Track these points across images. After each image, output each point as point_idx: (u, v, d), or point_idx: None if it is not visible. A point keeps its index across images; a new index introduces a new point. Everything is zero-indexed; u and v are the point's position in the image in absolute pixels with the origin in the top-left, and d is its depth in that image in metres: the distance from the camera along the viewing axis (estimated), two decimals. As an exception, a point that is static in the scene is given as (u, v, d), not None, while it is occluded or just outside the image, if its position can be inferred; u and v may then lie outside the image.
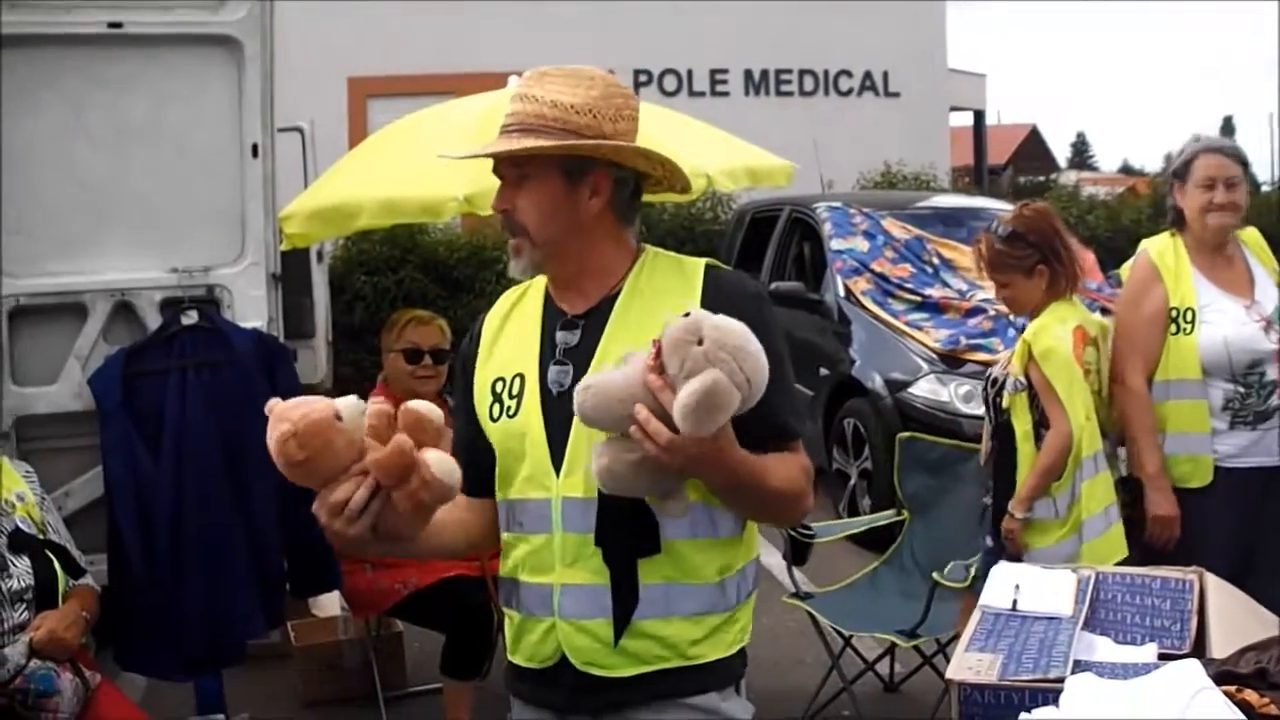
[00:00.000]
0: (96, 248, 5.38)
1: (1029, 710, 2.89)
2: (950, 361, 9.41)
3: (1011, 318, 9.63)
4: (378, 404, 2.94)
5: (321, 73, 18.56)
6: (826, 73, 22.95)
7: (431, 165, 6.46)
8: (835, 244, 10.63)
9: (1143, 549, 5.40)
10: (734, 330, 2.75)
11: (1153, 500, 5.44)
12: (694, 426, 2.71)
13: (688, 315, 2.78)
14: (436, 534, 3.14)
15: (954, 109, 27.23)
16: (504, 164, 3.16)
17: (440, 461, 2.86)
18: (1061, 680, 3.02)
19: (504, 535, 3.22)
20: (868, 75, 23.21)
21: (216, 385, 5.28)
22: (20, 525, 4.67)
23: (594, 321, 3.15)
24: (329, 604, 7.38)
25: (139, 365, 5.27)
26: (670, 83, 21.77)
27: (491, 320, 3.37)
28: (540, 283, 3.30)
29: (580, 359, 3.11)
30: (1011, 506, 5.37)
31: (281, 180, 5.62)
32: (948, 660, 4.60)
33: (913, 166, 19.55)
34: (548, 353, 3.17)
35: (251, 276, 5.50)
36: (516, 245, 3.15)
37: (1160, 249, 5.59)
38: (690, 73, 21.52)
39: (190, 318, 5.33)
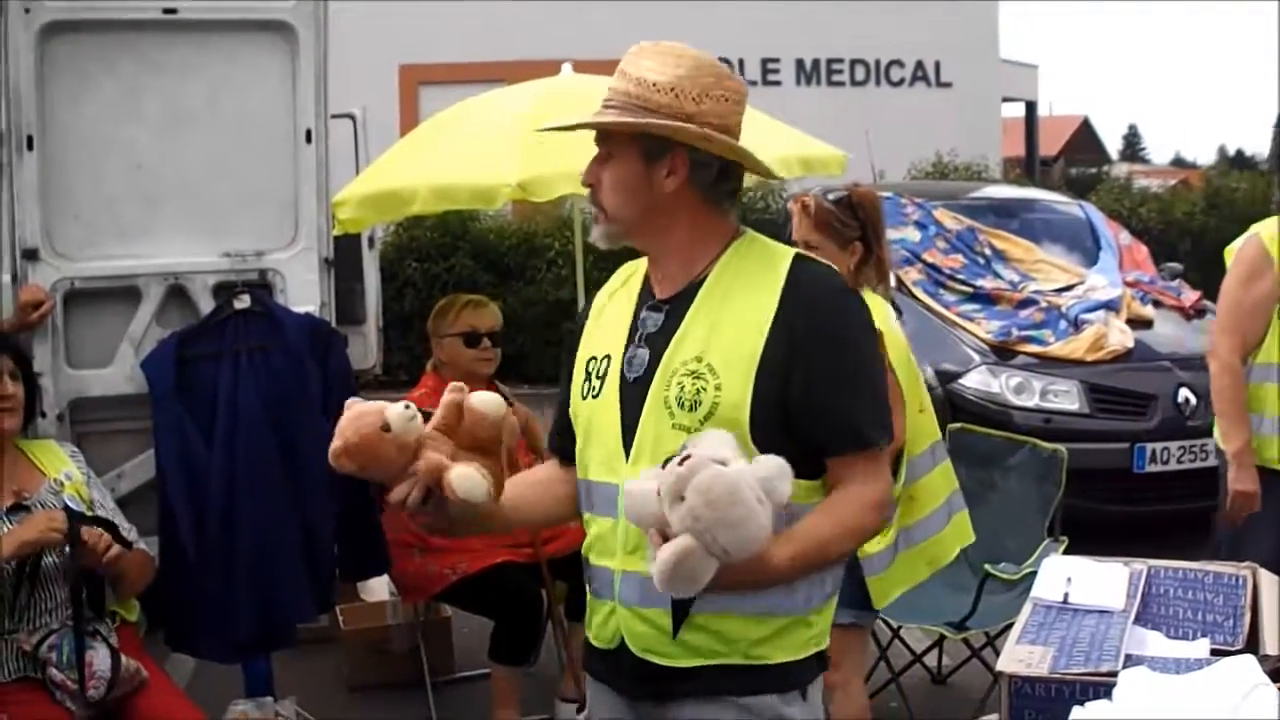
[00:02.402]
0: (150, 232, 5.40)
1: (1080, 704, 2.88)
2: (1002, 353, 9.37)
3: (1063, 309, 9.61)
4: (450, 395, 3.00)
5: (374, 60, 18.62)
6: (878, 62, 22.92)
7: (485, 151, 6.50)
8: (887, 233, 10.58)
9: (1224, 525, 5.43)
10: (717, 497, 2.65)
11: (1235, 476, 5.48)
12: (669, 589, 2.73)
13: (683, 460, 2.72)
14: (518, 511, 3.24)
15: (1006, 100, 27.15)
16: (599, 139, 3.17)
17: (462, 479, 2.89)
18: (1113, 674, 3.00)
19: (583, 514, 3.23)
20: (919, 65, 23.17)
21: (268, 369, 5.29)
22: (69, 504, 4.70)
23: (677, 307, 3.13)
24: (378, 589, 7.40)
25: (192, 349, 5.29)
26: (722, 70, 21.74)
27: (600, 297, 3.39)
28: (643, 265, 3.31)
29: (659, 345, 3.10)
30: None
31: (333, 166, 5.63)
32: (996, 653, 4.59)
33: (964, 157, 19.50)
34: (633, 335, 3.17)
35: (304, 261, 5.51)
36: (596, 216, 3.18)
37: (1272, 234, 5.57)
38: (742, 62, 21.46)
39: (243, 302, 5.34)
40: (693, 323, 3.07)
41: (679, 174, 3.08)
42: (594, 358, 3.23)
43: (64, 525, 4.47)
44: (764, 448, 2.92)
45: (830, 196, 5.21)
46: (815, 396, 2.97)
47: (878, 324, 4.90)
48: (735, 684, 3.05)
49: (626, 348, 3.16)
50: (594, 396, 3.17)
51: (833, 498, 3.02)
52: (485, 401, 2.96)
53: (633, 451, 3.05)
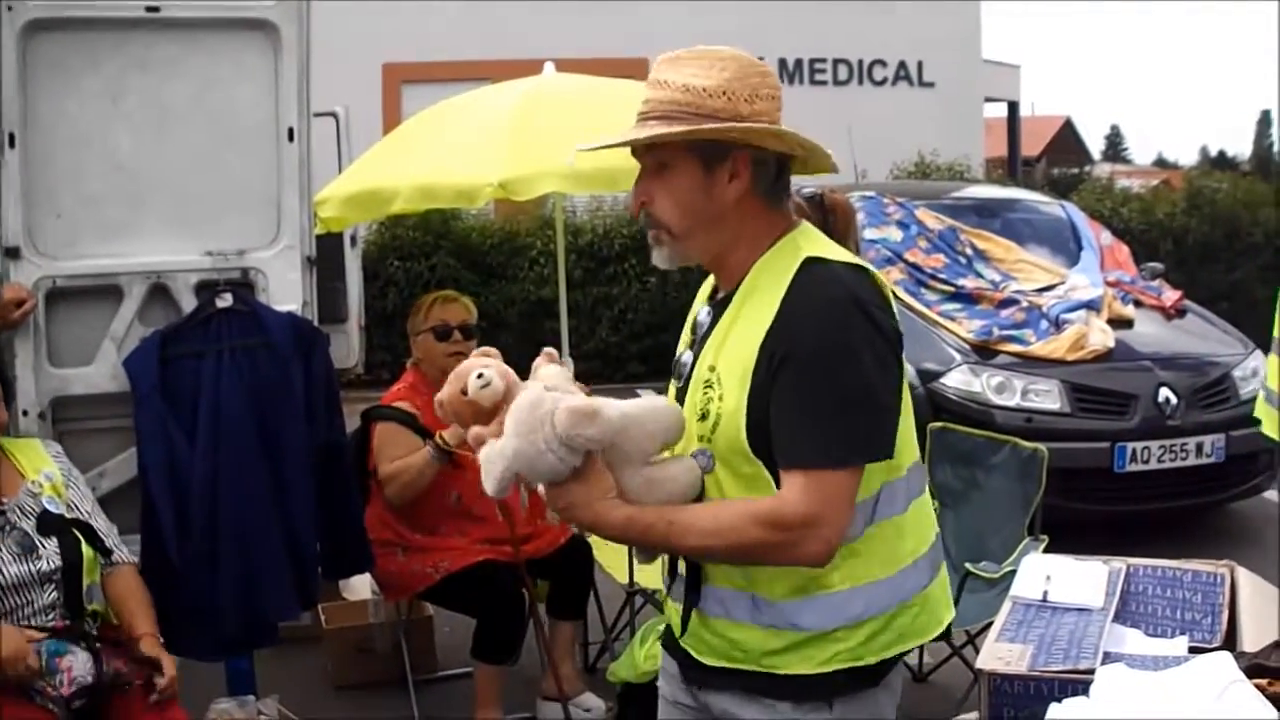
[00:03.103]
0: (133, 230, 5.40)
1: (1058, 701, 2.89)
2: (983, 352, 9.39)
3: (1044, 308, 9.64)
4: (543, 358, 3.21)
5: (356, 58, 18.60)
6: (861, 62, 22.95)
7: (467, 151, 6.52)
8: (868, 233, 10.59)
9: None
10: (513, 411, 2.94)
11: None
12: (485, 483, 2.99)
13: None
14: None
15: (988, 100, 27.21)
16: (642, 153, 3.08)
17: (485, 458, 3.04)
18: (1092, 672, 3.02)
19: None
20: (902, 65, 23.20)
21: (251, 368, 5.28)
22: (48, 506, 4.69)
23: (719, 310, 3.14)
24: (360, 587, 7.40)
25: (174, 347, 5.28)
26: (703, 70, 21.72)
27: (700, 293, 3.37)
28: None
29: (698, 350, 3.15)
30: None
31: (316, 165, 5.63)
32: (977, 651, 4.60)
33: (946, 157, 19.53)
34: (692, 336, 3.25)
35: (286, 260, 5.51)
36: (656, 236, 3.11)
37: None
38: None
39: (225, 300, 5.34)
40: (719, 328, 3.10)
41: (743, 177, 3.05)
42: (679, 355, 3.29)
43: (37, 665, 4.44)
44: (764, 457, 2.97)
45: (804, 192, 5.23)
46: (776, 409, 2.93)
47: None
48: (753, 686, 3.11)
49: (688, 348, 3.24)
50: (678, 398, 3.21)
51: (733, 499, 3.02)
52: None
53: (674, 452, 3.11)
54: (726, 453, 3.01)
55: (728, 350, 3.03)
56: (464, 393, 3.02)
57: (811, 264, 3.01)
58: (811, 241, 3.12)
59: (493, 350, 3.13)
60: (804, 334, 2.91)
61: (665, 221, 3.07)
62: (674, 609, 3.24)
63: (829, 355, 2.90)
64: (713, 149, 3.01)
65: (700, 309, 3.26)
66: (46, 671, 4.45)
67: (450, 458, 5.93)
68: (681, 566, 3.17)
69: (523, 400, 2.93)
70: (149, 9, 5.29)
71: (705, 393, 3.03)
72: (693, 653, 3.20)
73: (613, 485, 2.98)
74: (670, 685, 3.38)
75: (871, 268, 3.12)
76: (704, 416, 3.02)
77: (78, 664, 4.50)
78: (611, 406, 2.96)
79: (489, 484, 2.93)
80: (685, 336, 3.29)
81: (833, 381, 2.90)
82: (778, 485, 2.94)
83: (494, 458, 2.92)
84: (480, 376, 2.99)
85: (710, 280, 3.31)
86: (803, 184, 5.61)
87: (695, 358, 3.13)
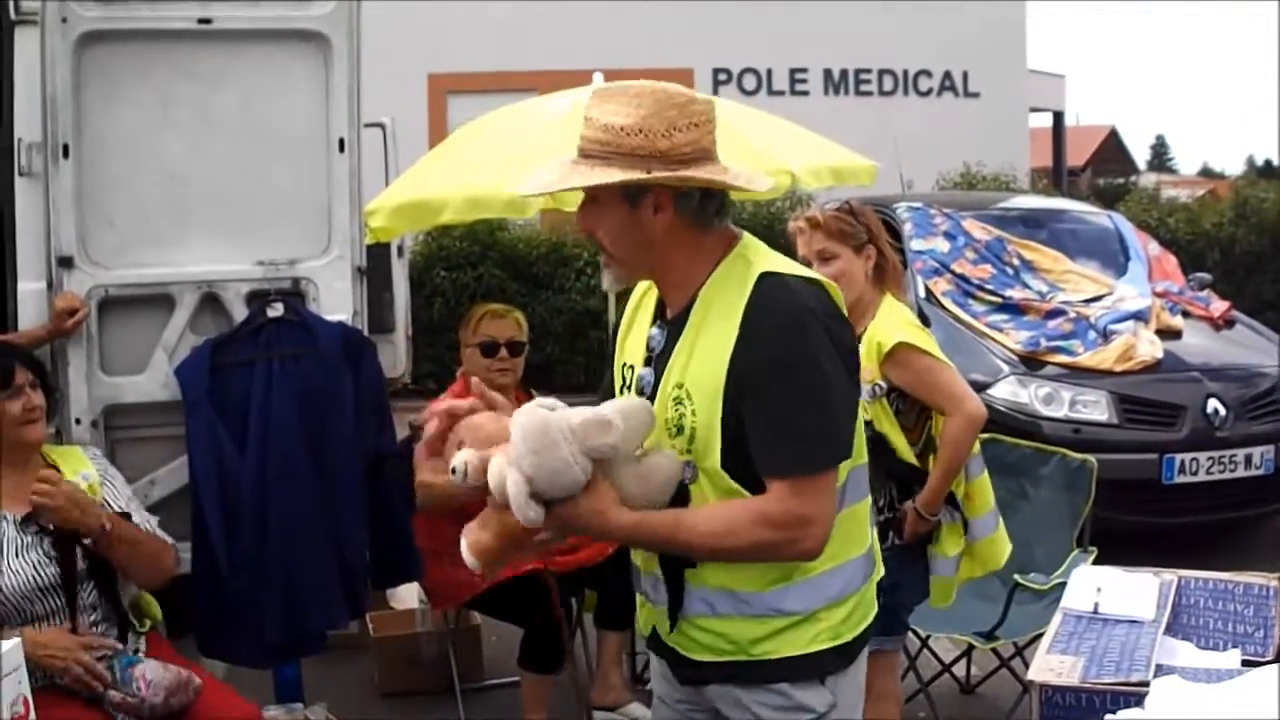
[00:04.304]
0: (184, 240, 5.44)
1: (1111, 713, 2.88)
2: (1030, 363, 9.36)
3: (1092, 319, 9.60)
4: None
5: (402, 69, 18.67)
6: (906, 72, 22.92)
7: (517, 161, 6.52)
8: (916, 244, 10.57)
9: None
10: (527, 431, 3.02)
11: None
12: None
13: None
14: None
15: (1033, 110, 27.12)
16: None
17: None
18: (1144, 684, 3.01)
19: None
20: (947, 75, 23.16)
21: (301, 377, 5.31)
22: None
23: (674, 329, 3.24)
24: (407, 596, 7.42)
25: (225, 356, 5.32)
26: (750, 82, 21.79)
27: (631, 300, 3.49)
28: None
29: (659, 367, 3.24)
30: (921, 506, 5.00)
31: (364, 175, 5.66)
32: (1025, 664, 4.60)
33: (992, 167, 19.45)
34: (647, 353, 3.32)
35: (337, 269, 5.54)
36: (605, 261, 3.27)
37: None
38: (770, 72, 21.53)
39: (276, 310, 5.37)
40: (680, 348, 3.20)
41: (665, 209, 3.15)
42: (628, 364, 3.38)
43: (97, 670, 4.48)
44: (735, 471, 3.11)
45: (829, 207, 5.25)
46: (751, 421, 3.07)
47: (908, 334, 4.97)
48: (751, 676, 3.22)
49: (643, 364, 3.31)
50: None
51: (732, 500, 3.13)
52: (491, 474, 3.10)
53: None
54: (706, 465, 3.14)
55: (694, 368, 3.14)
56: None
57: (766, 279, 3.15)
58: (760, 255, 3.24)
59: (471, 406, 3.29)
60: (768, 349, 3.06)
61: (606, 247, 3.22)
62: (656, 611, 3.34)
63: (793, 368, 3.06)
64: (634, 187, 3.11)
65: (650, 329, 3.34)
66: (120, 682, 4.49)
67: None
68: (659, 570, 3.28)
69: (531, 424, 3.00)
70: (200, 20, 5.33)
71: (677, 409, 3.15)
72: (681, 650, 3.30)
73: (614, 491, 3.08)
74: (662, 685, 3.50)
75: (823, 279, 3.26)
76: (680, 431, 3.15)
77: (150, 669, 4.54)
78: (611, 412, 3.06)
79: (526, 515, 2.99)
80: (635, 348, 3.38)
81: (800, 393, 3.07)
82: (754, 493, 3.10)
83: (515, 487, 2.99)
84: (454, 472, 3.10)
85: (638, 295, 3.46)
86: (844, 195, 5.66)
87: (657, 375, 3.23)
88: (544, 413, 3.04)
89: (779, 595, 3.16)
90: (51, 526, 4.60)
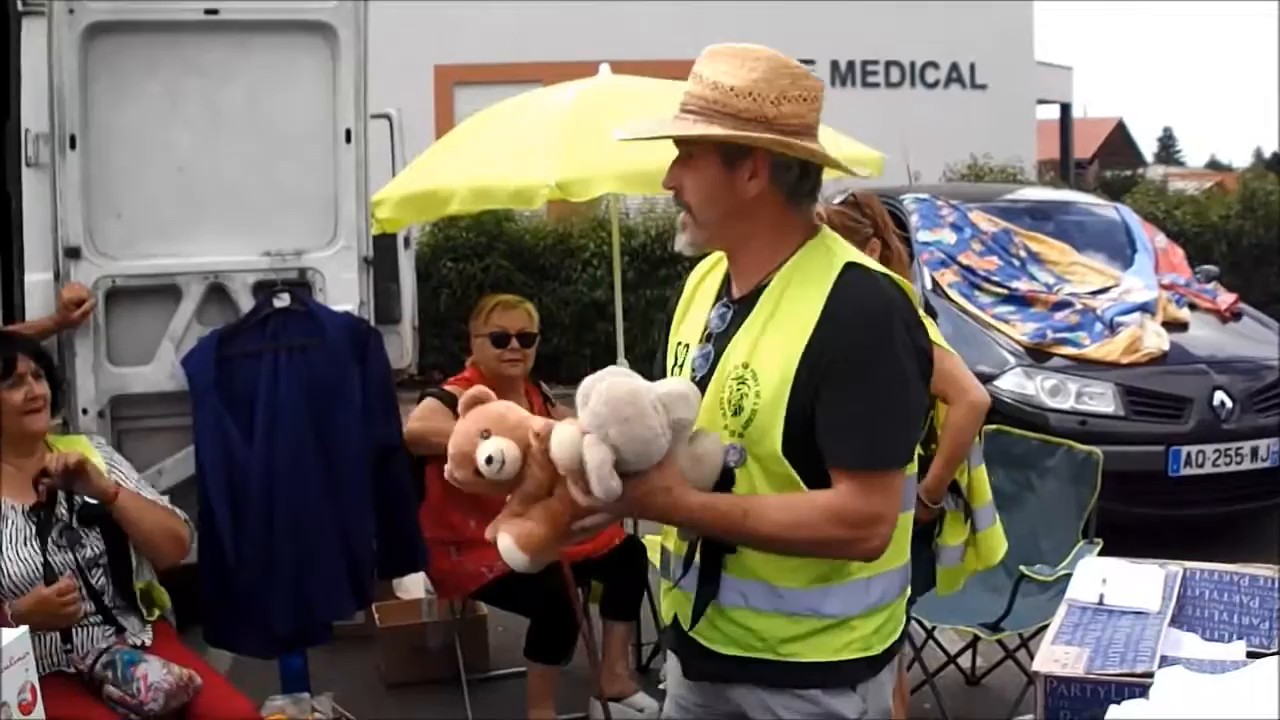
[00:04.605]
0: (191, 231, 5.44)
1: (1116, 704, 2.88)
2: (1037, 355, 9.35)
3: (1098, 311, 9.59)
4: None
5: (409, 61, 18.63)
6: (913, 64, 22.89)
7: (523, 152, 6.54)
8: (922, 235, 10.56)
9: None
10: (614, 397, 2.90)
11: None
12: (592, 488, 2.91)
13: (598, 375, 2.97)
14: None
15: (1040, 102, 27.08)
16: (676, 141, 3.17)
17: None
18: (1149, 675, 3.01)
19: None
20: (954, 67, 23.12)
21: (308, 367, 5.32)
22: (88, 499, 4.73)
23: (742, 309, 3.17)
24: (413, 586, 7.43)
25: (232, 347, 5.33)
26: (756, 72, 21.73)
27: (691, 279, 3.44)
28: None
29: (721, 345, 3.17)
30: (924, 493, 4.91)
31: (370, 166, 5.66)
32: (1031, 655, 4.60)
33: (999, 159, 19.44)
34: (705, 331, 3.25)
35: (343, 260, 5.55)
36: (683, 221, 3.19)
37: None
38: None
39: (282, 300, 5.38)
40: (748, 327, 3.12)
41: (761, 177, 3.09)
42: (682, 343, 3.32)
43: (74, 600, 4.49)
44: (794, 458, 3.03)
45: (835, 201, 5.24)
46: (824, 414, 3.00)
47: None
48: (777, 679, 3.14)
49: (701, 342, 3.23)
50: None
51: (803, 493, 3.06)
52: (560, 444, 2.98)
53: None
54: (760, 450, 3.06)
55: (764, 350, 3.07)
56: (478, 473, 3.01)
57: (851, 269, 3.10)
58: (842, 247, 3.21)
59: (487, 394, 3.16)
60: (851, 339, 2.99)
61: (692, 206, 3.16)
62: (681, 599, 3.25)
63: (876, 362, 3.00)
64: (734, 148, 3.07)
65: (709, 301, 3.30)
66: (121, 680, 4.51)
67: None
68: (696, 554, 3.19)
69: (618, 391, 2.90)
70: (208, 11, 5.34)
71: (739, 388, 3.07)
72: (703, 641, 3.21)
73: (679, 470, 3.01)
74: (678, 685, 3.44)
75: (903, 280, 3.22)
76: (738, 411, 3.07)
77: (152, 671, 4.55)
78: (685, 387, 3.04)
79: (608, 486, 2.88)
80: (692, 326, 3.32)
81: (881, 388, 3.01)
82: (808, 485, 3.04)
83: (598, 457, 2.87)
84: (490, 461, 2.98)
85: (699, 275, 3.42)
86: (844, 186, 5.65)
87: (717, 354, 3.16)
88: (629, 379, 2.97)
89: (819, 596, 3.10)
90: (62, 514, 4.62)
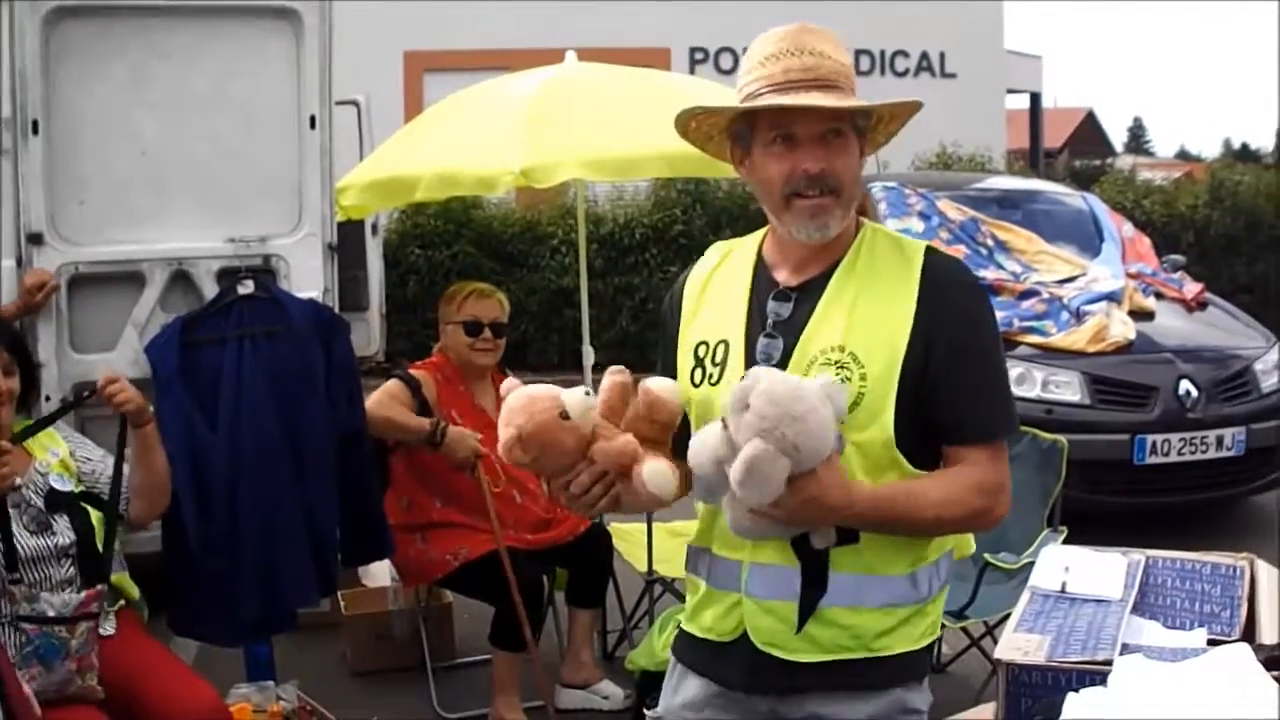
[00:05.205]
0: (156, 217, 5.43)
1: (1076, 691, 2.89)
2: (1004, 344, 9.36)
3: (1065, 300, 9.62)
4: (615, 377, 2.96)
5: (378, 47, 18.64)
6: (883, 53, 22.95)
7: (487, 138, 6.52)
8: (890, 224, 10.50)
9: None
10: (780, 395, 2.69)
11: None
12: (748, 497, 2.72)
13: (743, 379, 2.76)
14: None
15: (1010, 91, 27.17)
16: (809, 120, 3.01)
17: (655, 475, 2.86)
18: (1109, 663, 3.02)
19: (700, 504, 3.13)
20: (924, 56, 23.21)
21: (273, 354, 5.30)
22: (55, 484, 4.70)
23: (807, 295, 3.07)
24: (379, 574, 7.42)
25: (196, 334, 5.31)
26: (726, 61, 21.80)
27: (694, 280, 3.29)
28: (744, 246, 3.26)
29: (791, 332, 3.04)
30: None
31: (337, 153, 5.65)
32: (995, 643, 4.61)
33: (968, 148, 19.48)
34: (756, 323, 3.10)
35: (308, 247, 5.54)
36: (824, 205, 3.01)
37: None
38: (746, 51, 21.48)
39: (247, 287, 5.36)
40: (829, 310, 3.03)
41: (863, 155, 3.10)
42: (704, 343, 3.15)
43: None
44: (900, 436, 2.96)
45: None
46: (948, 389, 2.98)
47: None
48: (861, 679, 3.05)
49: (749, 334, 3.09)
50: (711, 383, 3.09)
51: (945, 470, 3.04)
52: (665, 388, 2.92)
53: None
54: (865, 435, 2.97)
55: (863, 332, 2.98)
56: (564, 416, 2.83)
57: (933, 254, 3.09)
58: (892, 231, 3.21)
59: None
60: (962, 319, 3.02)
61: (844, 188, 3.03)
62: (757, 610, 3.05)
63: (987, 339, 3.09)
64: (861, 125, 3.08)
65: (741, 294, 3.16)
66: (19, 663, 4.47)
67: (436, 448, 5.92)
68: (790, 558, 3.01)
69: (781, 388, 2.71)
70: (172, -4, 5.32)
71: (839, 372, 2.94)
72: (787, 654, 3.03)
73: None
74: (695, 708, 3.22)
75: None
76: None
77: (39, 681, 4.49)
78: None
79: (766, 490, 2.71)
80: (722, 323, 3.15)
81: (995, 363, 3.11)
82: (914, 465, 3.00)
83: (774, 464, 2.69)
84: (588, 394, 2.86)
85: (717, 264, 3.28)
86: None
87: (790, 343, 3.03)
88: (788, 376, 2.81)
89: (913, 580, 3.07)
90: (31, 498, 4.59)
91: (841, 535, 2.95)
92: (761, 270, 3.18)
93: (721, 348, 3.12)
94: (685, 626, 3.25)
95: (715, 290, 3.24)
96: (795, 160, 2.99)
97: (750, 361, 3.05)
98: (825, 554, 2.97)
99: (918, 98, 3.20)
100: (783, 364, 3.00)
